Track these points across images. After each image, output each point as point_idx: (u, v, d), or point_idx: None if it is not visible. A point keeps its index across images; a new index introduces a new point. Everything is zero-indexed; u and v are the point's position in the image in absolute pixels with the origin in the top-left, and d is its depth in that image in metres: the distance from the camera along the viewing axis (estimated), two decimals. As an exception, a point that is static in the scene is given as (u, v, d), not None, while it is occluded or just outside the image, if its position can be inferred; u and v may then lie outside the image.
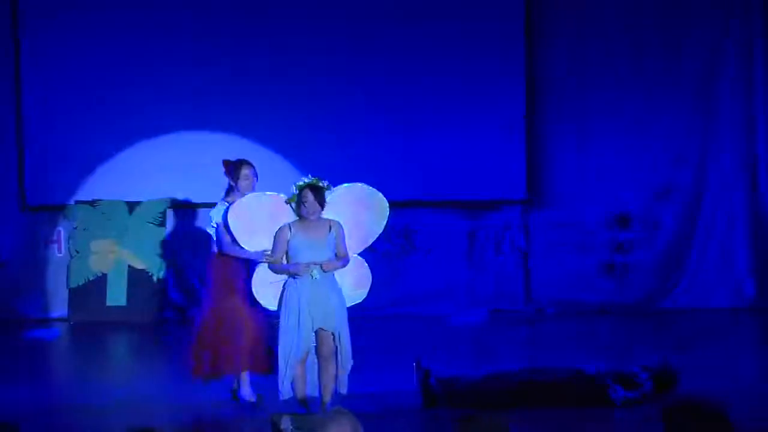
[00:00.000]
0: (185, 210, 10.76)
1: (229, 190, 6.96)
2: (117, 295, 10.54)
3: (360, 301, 6.76)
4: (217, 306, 6.81)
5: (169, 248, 10.71)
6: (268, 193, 6.63)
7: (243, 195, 6.79)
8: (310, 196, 6.29)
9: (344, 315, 6.46)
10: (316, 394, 6.46)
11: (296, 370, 6.35)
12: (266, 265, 6.43)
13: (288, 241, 6.32)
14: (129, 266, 10.58)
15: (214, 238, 6.86)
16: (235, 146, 10.32)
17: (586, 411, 6.49)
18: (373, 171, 10.41)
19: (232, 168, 6.95)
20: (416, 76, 10.76)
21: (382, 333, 10.02)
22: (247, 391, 6.81)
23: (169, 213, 10.74)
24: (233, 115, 10.63)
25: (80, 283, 10.54)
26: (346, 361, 6.44)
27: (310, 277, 6.26)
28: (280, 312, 6.38)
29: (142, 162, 10.63)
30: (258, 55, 10.67)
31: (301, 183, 6.36)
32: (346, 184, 6.69)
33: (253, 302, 6.67)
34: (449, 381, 6.67)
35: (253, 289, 6.51)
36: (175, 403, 6.91)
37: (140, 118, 10.59)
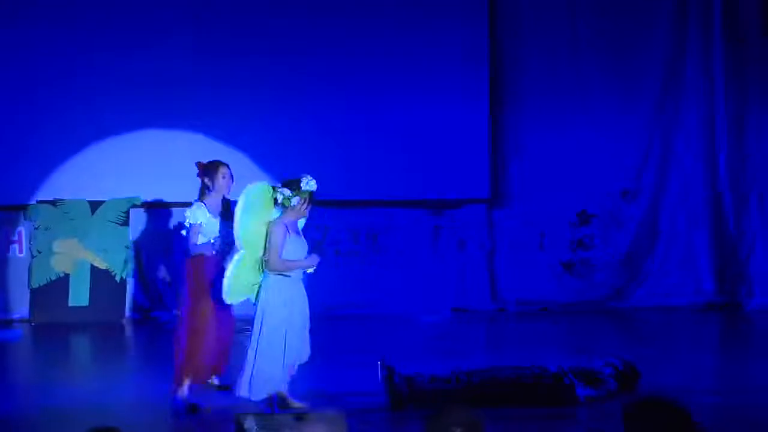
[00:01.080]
0: (149, 209, 10.69)
1: (203, 191, 6.93)
2: (79, 296, 10.45)
3: None
4: (192, 308, 6.77)
5: (132, 248, 10.63)
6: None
7: (219, 195, 6.85)
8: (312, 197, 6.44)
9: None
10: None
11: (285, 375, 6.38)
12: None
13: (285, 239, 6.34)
14: (91, 266, 10.50)
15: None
16: (199, 144, 10.31)
17: (550, 409, 6.52)
18: (338, 171, 10.47)
19: (209, 169, 6.93)
20: (380, 76, 10.75)
21: (346, 333, 10.02)
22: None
23: (133, 212, 10.66)
24: (196, 113, 10.56)
25: (42, 284, 10.43)
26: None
27: (307, 271, 6.41)
28: (272, 315, 6.28)
29: (104, 161, 10.53)
30: (221, 53, 10.60)
31: (312, 185, 6.41)
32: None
33: (224, 305, 6.64)
34: (414, 379, 6.68)
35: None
36: (139, 403, 6.87)
37: (102, 115, 10.48)
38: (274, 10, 10.67)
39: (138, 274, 10.70)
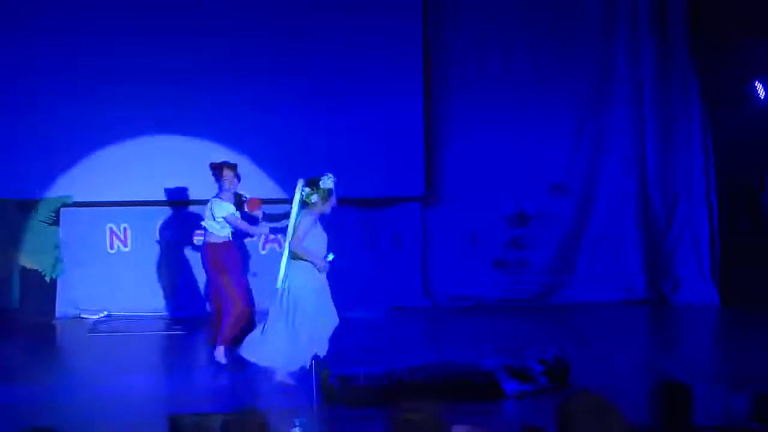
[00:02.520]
0: (82, 209, 10.54)
1: (220, 188, 8.22)
2: (9, 297, 10.27)
3: None
4: (228, 286, 7.99)
5: (64, 248, 10.49)
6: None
7: (228, 193, 8.14)
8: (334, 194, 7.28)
9: None
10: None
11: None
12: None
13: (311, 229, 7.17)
14: (21, 267, 10.31)
15: (210, 231, 8.13)
16: (130, 140, 10.22)
17: (482, 405, 6.58)
18: (272, 170, 10.45)
19: (216, 170, 8.20)
20: (312, 74, 10.70)
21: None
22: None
23: (64, 212, 10.50)
24: (126, 112, 10.46)
25: (-30, 285, 10.24)
26: None
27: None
28: (304, 296, 7.10)
29: (36, 159, 10.37)
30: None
31: (328, 183, 7.29)
32: None
33: (243, 284, 8.10)
34: (348, 378, 6.70)
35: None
36: (70, 403, 6.80)
37: (33, 112, 10.34)
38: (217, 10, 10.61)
39: (67, 273, 10.55)
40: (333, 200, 7.27)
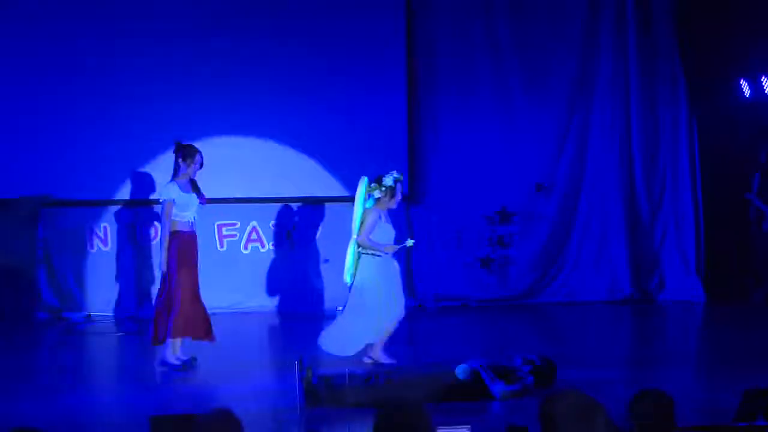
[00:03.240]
0: (59, 208, 10.43)
1: (176, 170, 7.73)
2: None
3: None
4: (174, 277, 7.54)
5: (41, 248, 10.37)
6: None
7: (189, 176, 7.68)
8: (400, 188, 7.71)
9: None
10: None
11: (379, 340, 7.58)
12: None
13: (376, 223, 7.62)
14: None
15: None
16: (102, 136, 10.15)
17: (467, 404, 6.53)
18: (250, 170, 10.38)
19: (186, 151, 7.68)
20: (299, 74, 10.61)
21: (266, 331, 9.94)
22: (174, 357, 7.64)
23: (42, 211, 10.38)
24: (111, 105, 10.37)
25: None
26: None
27: (406, 246, 7.74)
28: (368, 288, 7.56)
29: (12, 157, 10.26)
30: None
31: (398, 176, 7.69)
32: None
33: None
34: (332, 378, 6.61)
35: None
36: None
37: (8, 112, 10.23)
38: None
39: (47, 273, 10.44)
40: (398, 196, 7.72)
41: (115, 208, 10.56)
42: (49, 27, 10.26)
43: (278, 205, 10.83)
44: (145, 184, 10.46)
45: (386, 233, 7.76)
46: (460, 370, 6.65)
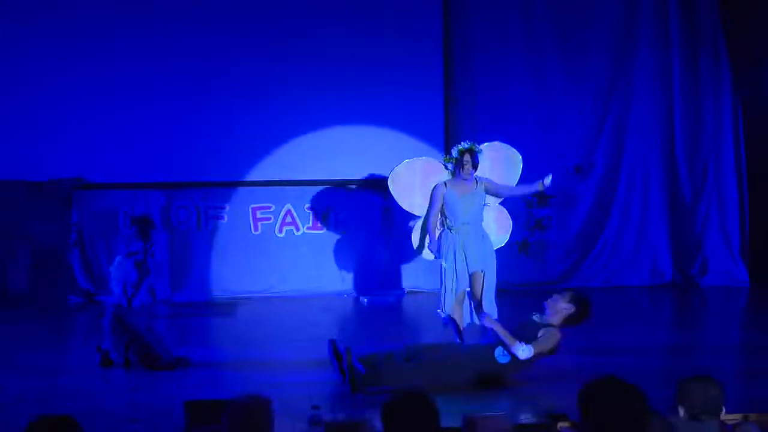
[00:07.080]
0: (91, 191, 10.40)
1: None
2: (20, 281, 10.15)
3: (503, 244, 8.36)
4: None
5: (75, 231, 10.35)
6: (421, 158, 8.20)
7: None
8: (468, 158, 7.58)
9: (493, 257, 7.85)
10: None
11: (455, 305, 7.71)
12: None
13: (443, 196, 7.68)
14: (32, 249, 10.17)
15: None
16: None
17: (505, 390, 6.42)
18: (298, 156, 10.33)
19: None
20: (340, 66, 10.58)
21: (301, 314, 9.85)
22: None
23: (75, 194, 10.36)
24: (144, 88, 10.31)
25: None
26: (491, 298, 7.75)
27: (543, 184, 8.01)
28: (444, 255, 7.76)
29: (46, 140, 10.24)
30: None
31: (462, 147, 7.69)
32: (485, 143, 8.01)
33: None
34: (369, 359, 6.45)
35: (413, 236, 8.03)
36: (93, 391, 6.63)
37: (40, 93, 10.18)
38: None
39: (81, 257, 10.42)
40: (467, 165, 7.67)
41: (148, 191, 10.51)
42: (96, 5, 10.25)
43: (313, 188, 10.77)
44: (179, 167, 10.43)
45: (459, 205, 7.73)
46: (499, 353, 6.50)
